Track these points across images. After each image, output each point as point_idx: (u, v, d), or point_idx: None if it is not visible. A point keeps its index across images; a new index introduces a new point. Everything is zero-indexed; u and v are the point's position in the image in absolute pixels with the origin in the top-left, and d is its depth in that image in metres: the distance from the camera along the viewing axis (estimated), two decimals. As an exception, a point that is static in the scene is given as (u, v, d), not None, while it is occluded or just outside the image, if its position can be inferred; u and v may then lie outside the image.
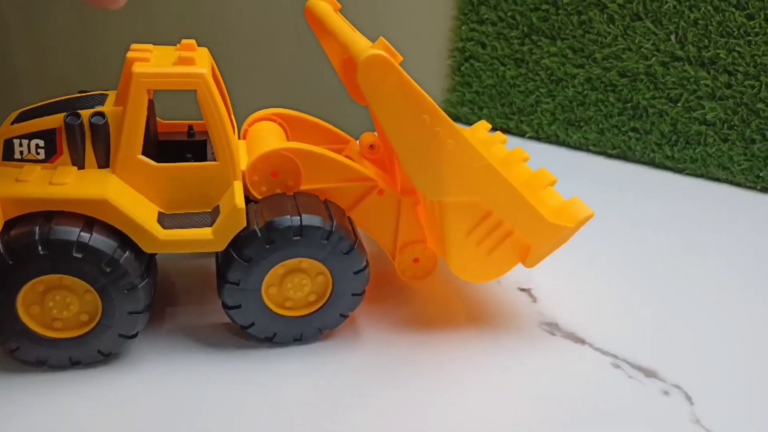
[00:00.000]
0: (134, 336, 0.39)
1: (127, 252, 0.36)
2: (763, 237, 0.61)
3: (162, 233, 0.37)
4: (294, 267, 0.40)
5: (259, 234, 0.38)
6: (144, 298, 0.38)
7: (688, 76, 0.71)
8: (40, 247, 0.35)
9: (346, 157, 0.45)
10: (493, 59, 0.81)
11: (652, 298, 0.50)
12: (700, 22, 0.68)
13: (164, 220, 0.38)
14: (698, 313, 0.48)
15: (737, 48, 0.67)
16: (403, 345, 0.43)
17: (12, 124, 0.38)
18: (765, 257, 0.57)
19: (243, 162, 0.41)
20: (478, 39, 0.82)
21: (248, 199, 0.40)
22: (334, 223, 0.39)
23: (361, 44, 0.38)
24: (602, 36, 0.74)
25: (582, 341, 0.45)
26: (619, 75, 0.74)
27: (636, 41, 0.72)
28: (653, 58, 0.72)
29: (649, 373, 0.42)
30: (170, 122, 0.45)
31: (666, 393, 0.40)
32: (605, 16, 0.73)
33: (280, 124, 0.49)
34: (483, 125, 0.55)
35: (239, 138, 0.46)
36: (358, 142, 0.48)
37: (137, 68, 0.37)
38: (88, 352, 0.38)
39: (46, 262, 0.35)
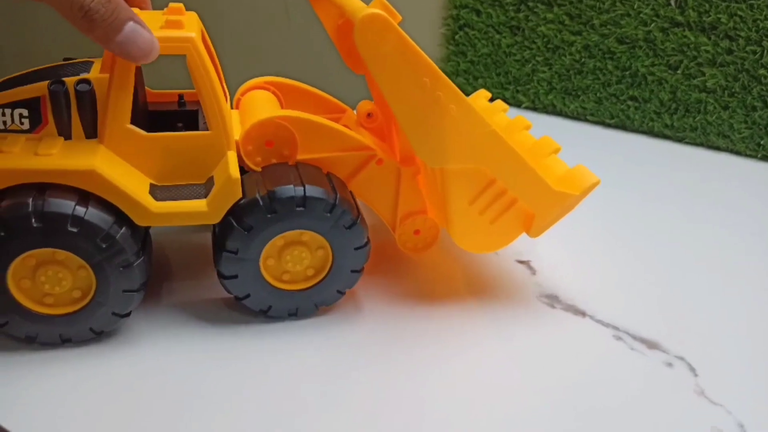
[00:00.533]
0: (128, 315, 0.38)
1: (124, 228, 0.35)
2: (764, 205, 0.60)
3: (154, 205, 0.36)
4: (294, 239, 0.39)
5: (261, 202, 0.37)
6: (140, 277, 0.37)
7: (688, 42, 0.69)
8: (33, 220, 0.34)
9: (344, 126, 0.43)
10: (488, 27, 0.79)
11: (653, 269, 0.50)
12: None
13: (156, 192, 0.37)
14: (700, 283, 0.48)
15: (739, 12, 0.66)
16: (403, 318, 0.42)
17: None
18: (766, 226, 0.57)
19: (236, 132, 0.40)
20: (473, 6, 0.79)
21: (243, 170, 0.39)
22: (338, 196, 0.38)
23: (357, 4, 0.37)
24: (600, 1, 0.72)
25: (583, 313, 0.44)
26: (617, 42, 0.73)
27: (635, 6, 0.70)
28: (652, 24, 0.70)
29: (652, 345, 0.41)
30: (160, 92, 0.44)
31: (669, 365, 0.40)
32: None
33: (274, 93, 0.47)
34: (483, 94, 0.53)
35: (232, 108, 0.45)
36: (354, 111, 0.47)
37: None
38: (80, 329, 0.37)
39: (39, 235, 0.34)
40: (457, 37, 0.81)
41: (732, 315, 0.45)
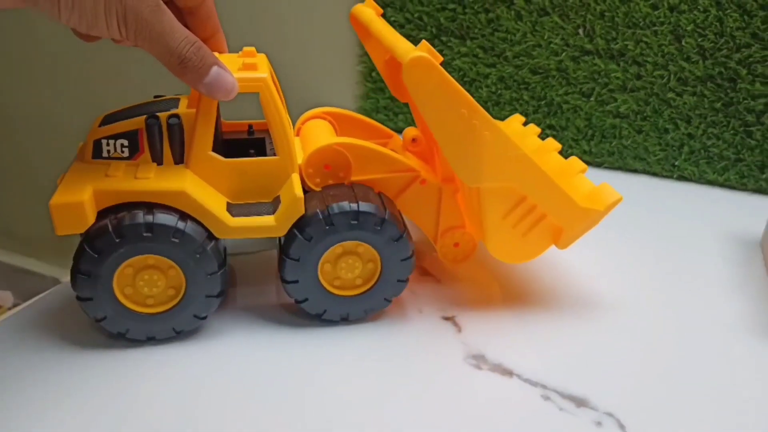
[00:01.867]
0: (205, 317, 0.45)
1: (213, 241, 0.43)
2: (686, 227, 0.62)
3: (231, 221, 0.43)
4: (349, 250, 0.46)
5: (321, 216, 0.44)
6: (221, 284, 0.44)
7: (599, 69, 0.72)
8: (143, 230, 0.42)
9: (391, 150, 0.50)
10: None
11: (578, 318, 0.50)
12: (606, 14, 0.70)
13: (232, 209, 0.44)
14: (626, 333, 0.48)
15: (644, 38, 0.69)
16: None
17: (99, 126, 0.45)
18: (690, 250, 0.59)
19: (299, 156, 0.47)
20: None
21: (304, 190, 0.46)
22: (387, 212, 0.45)
23: (404, 47, 0.43)
24: (511, 33, 0.74)
25: (510, 373, 0.44)
26: (531, 72, 0.75)
27: (545, 37, 0.73)
28: (563, 53, 0.73)
29: (580, 403, 0.41)
30: (232, 122, 0.52)
31: (598, 423, 0.40)
32: (512, 12, 0.74)
33: (330, 122, 0.55)
34: (517, 118, 0.60)
35: (294, 135, 0.52)
36: (401, 136, 0.54)
37: None
38: (164, 329, 0.45)
39: (147, 242, 0.42)
40: (374, 74, 0.84)
41: (659, 366, 0.45)
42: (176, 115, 0.43)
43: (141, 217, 0.41)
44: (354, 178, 0.47)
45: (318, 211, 0.44)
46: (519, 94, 0.77)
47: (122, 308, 0.43)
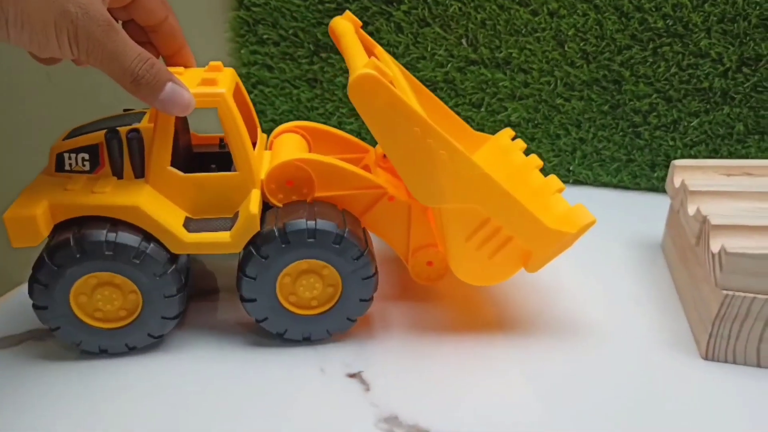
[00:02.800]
0: (160, 337, 0.49)
1: (174, 265, 0.46)
2: (589, 233, 0.57)
3: (187, 236, 0.47)
4: (308, 269, 0.48)
5: (277, 234, 0.47)
6: (178, 307, 0.48)
7: (486, 78, 0.77)
8: (105, 248, 0.44)
9: (365, 165, 0.54)
10: (284, 82, 0.83)
11: (491, 359, 0.50)
12: (487, 22, 0.74)
13: (190, 224, 0.48)
14: (546, 372, 0.49)
15: (528, 45, 0.74)
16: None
17: (63, 140, 0.47)
18: (596, 257, 0.62)
19: (264, 171, 0.50)
20: (263, 62, 0.83)
21: (267, 206, 0.50)
22: (347, 230, 0.47)
23: (355, 64, 0.45)
24: (393, 46, 0.78)
25: None
26: None
27: (428, 49, 0.77)
28: (449, 65, 0.77)
29: None
30: (204, 135, 0.54)
31: None
32: (392, 25, 0.77)
33: (303, 136, 0.58)
34: (507, 132, 0.62)
35: (266, 148, 0.56)
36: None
37: None
38: (118, 344, 0.48)
39: (107, 260, 0.44)
40: (252, 96, 0.85)
41: (584, 405, 0.46)
42: (136, 130, 0.46)
43: (104, 234, 0.44)
44: (318, 194, 0.50)
45: (274, 228, 0.47)
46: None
47: (76, 320, 0.46)
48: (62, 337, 0.47)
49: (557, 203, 0.52)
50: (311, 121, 0.81)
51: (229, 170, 0.49)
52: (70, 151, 0.46)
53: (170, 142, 0.46)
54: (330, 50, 0.81)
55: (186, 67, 0.51)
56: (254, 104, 0.81)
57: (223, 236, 0.47)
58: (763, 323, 0.49)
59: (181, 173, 0.47)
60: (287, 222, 0.47)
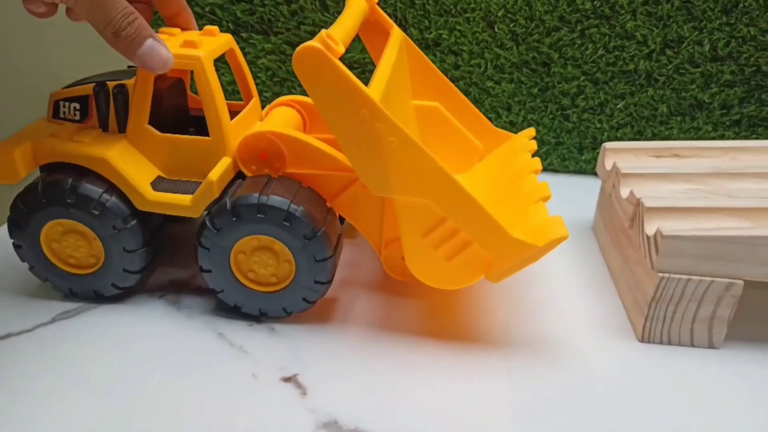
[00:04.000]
0: (124, 289, 0.60)
1: (135, 220, 0.57)
2: None
3: (150, 194, 0.57)
4: (264, 245, 0.58)
5: (228, 207, 0.56)
6: (139, 262, 0.58)
7: None
8: (68, 196, 0.56)
9: None
10: None
11: (434, 359, 0.58)
12: (416, 2, 0.86)
13: (160, 183, 0.58)
14: (492, 371, 0.57)
15: (458, 27, 0.85)
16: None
17: (64, 88, 0.58)
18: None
19: None
20: None
21: (243, 175, 0.60)
22: (299, 208, 0.56)
23: (318, 36, 0.50)
24: (318, 26, 0.89)
25: None
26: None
27: None
28: None
29: None
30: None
31: None
32: (317, 3, 0.88)
33: (299, 111, 0.67)
34: (529, 132, 0.73)
35: (261, 120, 0.65)
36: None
37: None
38: (85, 289, 0.61)
39: (71, 208, 0.56)
40: None
41: (532, 403, 0.55)
42: (123, 85, 0.57)
43: (68, 183, 0.55)
44: (290, 170, 0.59)
45: (227, 200, 0.56)
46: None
47: (47, 261, 0.60)
48: (37, 275, 0.61)
49: (537, 212, 0.57)
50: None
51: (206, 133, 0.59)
52: (64, 100, 0.58)
53: (148, 100, 0.55)
54: (251, 30, 0.90)
55: (186, 29, 0.61)
56: None
57: (184, 199, 0.56)
58: (697, 304, 0.59)
59: (157, 132, 0.57)
60: (240, 196, 0.56)
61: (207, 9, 0.90)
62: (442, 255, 0.56)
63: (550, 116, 0.92)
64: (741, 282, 0.59)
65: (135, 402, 0.53)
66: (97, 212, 0.56)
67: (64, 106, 0.59)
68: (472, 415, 0.53)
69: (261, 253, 0.58)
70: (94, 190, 0.56)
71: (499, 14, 0.87)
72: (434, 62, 0.87)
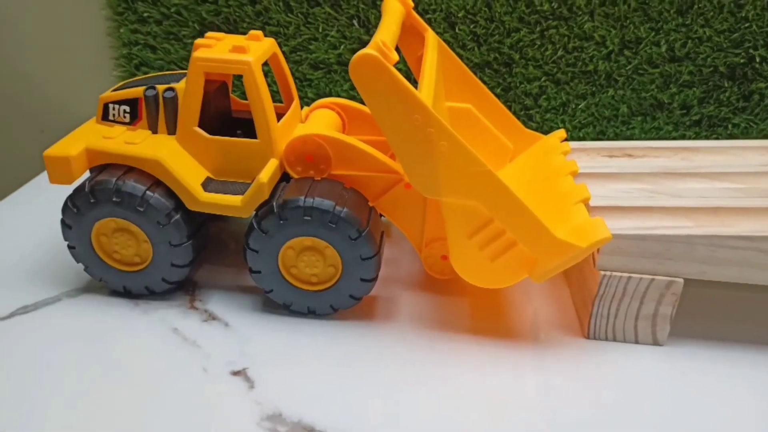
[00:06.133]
0: (174, 283, 0.89)
1: (179, 214, 0.86)
2: None
3: (202, 195, 0.86)
4: (310, 245, 0.83)
5: (275, 210, 0.81)
6: (186, 255, 0.88)
7: None
8: (113, 195, 0.84)
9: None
10: (170, 64, 1.30)
11: (379, 354, 0.84)
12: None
13: (210, 184, 0.87)
14: (429, 364, 0.83)
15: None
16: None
17: (113, 91, 0.89)
18: None
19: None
20: (145, 42, 1.30)
21: (289, 177, 0.87)
22: (344, 210, 0.80)
23: (372, 42, 0.70)
24: (283, 26, 1.21)
25: (311, 430, 0.70)
26: (311, 68, 1.27)
27: (320, 29, 1.20)
28: (342, 46, 1.21)
29: None
30: (246, 102, 0.92)
31: None
32: (281, 3, 1.20)
33: (339, 113, 0.96)
34: (559, 134, 0.97)
35: (302, 121, 0.93)
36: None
37: (197, 53, 0.86)
38: (137, 284, 0.91)
39: (117, 207, 0.85)
40: (136, 75, 1.29)
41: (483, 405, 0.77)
42: (172, 89, 0.87)
43: (112, 183, 0.83)
44: (335, 172, 0.85)
45: (273, 203, 0.81)
46: (302, 92, 1.25)
47: (100, 260, 0.89)
48: (91, 274, 0.89)
49: (576, 213, 0.77)
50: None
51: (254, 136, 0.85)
52: (114, 102, 0.89)
53: (198, 103, 0.84)
54: (217, 30, 1.21)
55: None
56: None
57: (235, 200, 0.84)
58: (639, 302, 0.81)
59: (206, 134, 0.86)
60: (287, 198, 0.80)
61: (173, 10, 1.23)
62: (487, 255, 0.77)
63: (514, 115, 1.14)
64: (681, 280, 0.81)
65: (82, 397, 0.76)
66: (141, 209, 0.83)
67: (113, 109, 0.89)
68: (417, 406, 0.78)
69: (309, 253, 0.83)
70: (137, 187, 0.82)
71: (460, 15, 1.20)
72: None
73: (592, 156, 1.00)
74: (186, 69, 1.05)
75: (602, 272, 0.82)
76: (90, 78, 1.38)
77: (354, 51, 1.15)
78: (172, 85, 0.88)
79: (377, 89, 0.71)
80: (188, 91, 0.85)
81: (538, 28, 1.22)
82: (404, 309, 0.94)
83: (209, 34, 0.90)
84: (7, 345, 0.85)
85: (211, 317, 0.90)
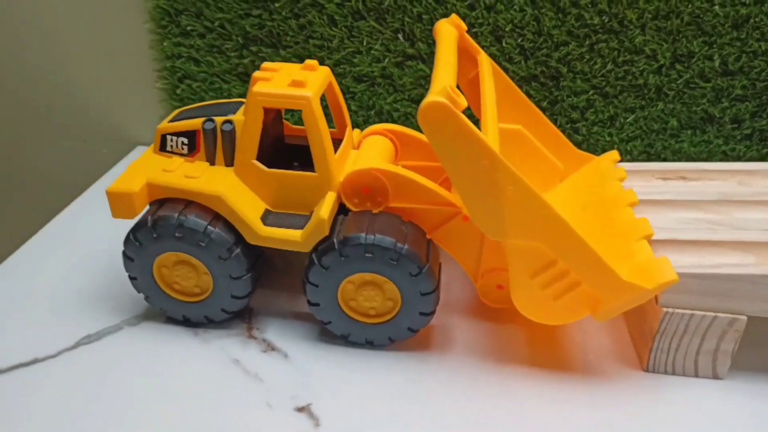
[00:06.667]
0: (232, 313, 0.92)
1: (240, 248, 0.88)
2: None
3: (262, 230, 0.87)
4: (369, 279, 0.85)
5: (336, 247, 0.83)
6: (245, 288, 0.90)
7: (425, 74, 1.22)
8: (175, 230, 0.86)
9: (447, 178, 0.84)
10: (213, 76, 1.33)
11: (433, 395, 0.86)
12: (424, 16, 1.18)
13: (268, 217, 0.89)
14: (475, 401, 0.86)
15: None
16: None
17: (170, 122, 0.91)
18: None
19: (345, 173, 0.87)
20: (188, 54, 1.32)
21: (345, 208, 0.88)
22: (405, 247, 0.82)
23: (434, 86, 0.72)
24: (327, 40, 1.24)
25: None
26: (355, 81, 1.29)
27: (364, 43, 1.23)
28: (386, 60, 1.24)
29: None
30: (298, 127, 0.95)
31: None
32: (325, 17, 1.22)
33: (392, 140, 0.97)
34: (612, 155, 0.98)
35: (354, 147, 0.96)
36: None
37: (256, 88, 0.86)
38: (197, 314, 0.94)
39: (179, 241, 0.88)
40: (179, 91, 1.35)
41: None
42: (230, 121, 0.88)
43: (174, 218, 0.86)
44: (392, 204, 0.87)
45: (334, 240, 0.83)
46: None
47: (161, 291, 0.92)
48: (151, 304, 0.93)
49: (639, 251, 0.78)
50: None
51: (312, 168, 0.86)
52: (172, 134, 0.91)
53: (257, 137, 0.85)
54: (261, 44, 1.24)
55: None
56: (182, 99, 1.36)
57: (295, 235, 0.86)
58: (700, 338, 0.82)
59: (264, 168, 0.87)
60: (347, 236, 0.82)
61: (216, 23, 1.24)
62: (550, 294, 0.79)
63: (560, 128, 1.20)
64: (744, 318, 0.81)
65: (151, 430, 0.80)
66: (203, 244, 0.86)
67: (171, 140, 0.92)
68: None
69: (368, 288, 0.86)
70: (199, 223, 0.85)
71: (507, 29, 1.21)
72: None
73: (646, 178, 1.01)
74: (228, 81, 1.18)
75: (665, 309, 0.83)
76: (132, 90, 1.41)
77: (398, 64, 1.26)
78: (230, 117, 0.90)
79: (445, 135, 0.72)
80: (247, 125, 0.87)
81: (587, 42, 1.23)
82: (459, 338, 0.96)
83: (265, 65, 0.92)
84: (73, 376, 0.87)
85: (270, 347, 0.93)
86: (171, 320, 0.96)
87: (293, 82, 0.86)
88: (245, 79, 1.32)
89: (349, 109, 1.27)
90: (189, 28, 1.30)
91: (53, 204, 1.24)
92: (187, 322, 0.95)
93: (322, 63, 1.13)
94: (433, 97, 0.70)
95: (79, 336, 0.94)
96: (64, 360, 0.90)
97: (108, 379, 0.87)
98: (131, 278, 0.92)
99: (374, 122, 1.28)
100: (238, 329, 0.96)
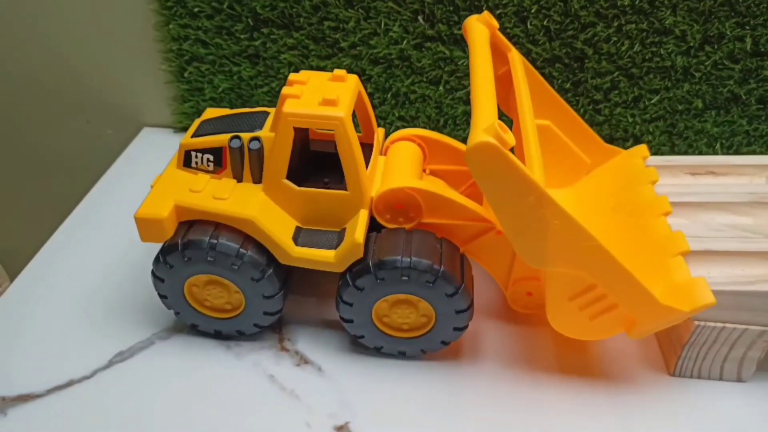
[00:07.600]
0: (264, 327, 0.95)
1: (272, 269, 0.89)
2: None
3: (294, 251, 0.89)
4: (403, 299, 0.87)
5: (372, 270, 0.85)
6: (277, 305, 0.92)
7: (444, 56, 1.22)
8: (207, 254, 0.88)
9: (474, 183, 0.87)
10: (222, 59, 1.33)
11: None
12: None
13: (299, 235, 0.91)
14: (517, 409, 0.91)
15: None
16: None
17: (192, 136, 0.93)
18: None
19: (377, 184, 0.91)
20: (196, 36, 1.31)
21: (376, 222, 0.90)
22: (441, 269, 0.83)
23: (478, 121, 0.72)
24: (342, 21, 1.22)
25: None
26: (371, 63, 1.28)
27: (382, 24, 1.22)
28: (404, 41, 1.23)
29: None
30: (322, 132, 0.95)
31: None
32: None
33: (420, 145, 0.99)
34: (641, 150, 1.01)
35: (381, 153, 0.98)
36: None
37: (287, 108, 0.86)
38: (231, 330, 0.96)
39: (211, 265, 0.89)
40: (187, 74, 1.35)
41: None
42: (258, 138, 0.89)
43: (206, 242, 0.87)
44: (425, 220, 0.89)
45: (370, 262, 0.85)
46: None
47: (192, 309, 0.94)
48: (183, 319, 0.95)
49: (676, 269, 0.80)
50: (256, 99, 1.33)
51: (341, 181, 0.87)
52: (197, 150, 0.93)
53: (287, 156, 0.86)
54: (272, 25, 1.24)
55: None
56: (190, 82, 1.35)
57: (328, 255, 0.88)
58: (729, 347, 0.85)
59: (295, 186, 0.89)
60: (383, 259, 0.84)
61: (225, 4, 1.23)
62: (587, 315, 0.82)
63: (581, 110, 1.26)
64: None
65: None
66: (236, 267, 0.87)
67: (196, 157, 0.93)
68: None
69: (402, 306, 0.88)
70: (231, 247, 0.86)
71: (533, 10, 1.20)
72: (463, 58, 1.22)
73: (675, 173, 1.02)
74: (239, 63, 1.21)
75: (696, 322, 0.86)
76: (136, 70, 1.40)
77: (417, 46, 1.25)
78: (257, 133, 0.91)
79: (493, 173, 0.74)
80: (277, 144, 0.88)
81: (615, 23, 1.22)
82: (489, 345, 0.99)
83: (292, 77, 0.92)
84: (110, 398, 0.91)
85: (303, 360, 0.95)
86: (201, 332, 0.99)
87: (324, 101, 0.87)
88: (255, 61, 1.32)
89: (366, 92, 1.20)
90: (196, 9, 1.29)
91: (62, 189, 1.31)
92: (218, 335, 0.97)
93: (336, 46, 1.26)
94: (481, 137, 0.71)
95: (112, 353, 0.96)
96: (99, 380, 0.93)
97: (144, 399, 0.90)
98: (161, 296, 0.94)
99: (390, 104, 1.32)
100: (270, 341, 0.99)
